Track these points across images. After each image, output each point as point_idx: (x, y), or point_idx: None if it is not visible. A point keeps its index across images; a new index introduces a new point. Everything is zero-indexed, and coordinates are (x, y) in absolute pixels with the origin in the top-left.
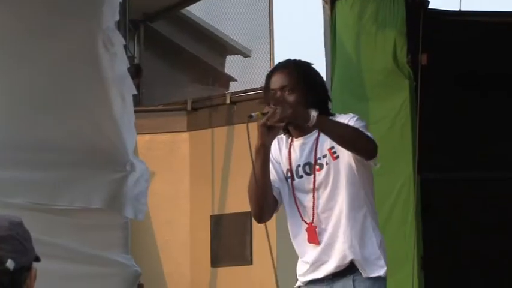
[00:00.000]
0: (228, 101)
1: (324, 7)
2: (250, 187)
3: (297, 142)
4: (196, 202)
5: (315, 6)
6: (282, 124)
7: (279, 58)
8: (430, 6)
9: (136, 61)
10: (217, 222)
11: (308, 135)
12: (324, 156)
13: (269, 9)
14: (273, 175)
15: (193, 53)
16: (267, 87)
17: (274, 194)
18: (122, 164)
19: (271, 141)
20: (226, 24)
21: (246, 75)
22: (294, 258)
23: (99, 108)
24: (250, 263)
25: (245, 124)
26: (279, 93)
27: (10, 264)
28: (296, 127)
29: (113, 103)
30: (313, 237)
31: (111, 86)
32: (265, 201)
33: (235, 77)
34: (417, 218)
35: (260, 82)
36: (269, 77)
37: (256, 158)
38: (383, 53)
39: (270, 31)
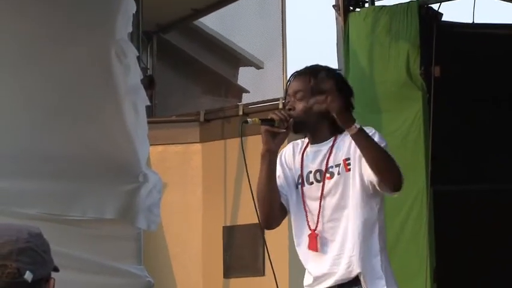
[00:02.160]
0: (240, 113)
1: (337, 19)
2: (258, 193)
3: (311, 148)
4: (208, 213)
5: (328, 18)
6: (284, 130)
7: (291, 70)
8: (443, 19)
9: (149, 72)
10: (230, 233)
11: (323, 142)
12: (337, 165)
13: (282, 21)
14: (282, 181)
15: (206, 64)
16: (286, 92)
17: (282, 201)
18: (135, 175)
19: (278, 147)
20: (239, 35)
21: (258, 86)
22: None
23: (112, 119)
24: (263, 274)
25: (257, 136)
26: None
27: (28, 276)
28: (311, 133)
29: (126, 114)
30: (314, 244)
31: (125, 97)
32: (272, 207)
33: (248, 89)
34: (430, 230)
35: (273, 94)
36: (288, 82)
37: (262, 164)
38: (396, 64)
39: (282, 43)
